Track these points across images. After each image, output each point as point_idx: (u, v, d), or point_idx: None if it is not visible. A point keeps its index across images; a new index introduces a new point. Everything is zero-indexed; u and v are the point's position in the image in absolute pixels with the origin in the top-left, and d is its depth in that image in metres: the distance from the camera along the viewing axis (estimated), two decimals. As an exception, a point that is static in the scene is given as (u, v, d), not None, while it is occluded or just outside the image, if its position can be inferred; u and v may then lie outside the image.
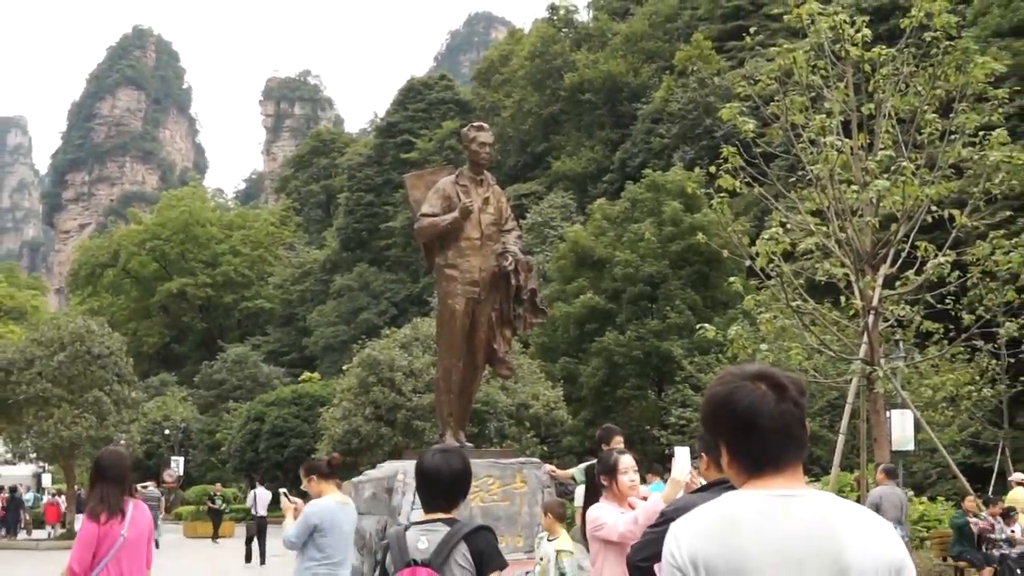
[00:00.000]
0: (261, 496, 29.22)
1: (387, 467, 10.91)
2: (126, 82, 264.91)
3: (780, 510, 2.42)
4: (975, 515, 18.68)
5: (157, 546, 10.69)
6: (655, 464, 14.41)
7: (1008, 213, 22.28)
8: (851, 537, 2.39)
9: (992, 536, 18.12)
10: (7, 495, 44.03)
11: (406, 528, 4.89)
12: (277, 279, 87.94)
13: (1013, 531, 18.54)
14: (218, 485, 41.83)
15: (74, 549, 7.15)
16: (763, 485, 2.48)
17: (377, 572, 4.94)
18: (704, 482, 5.17)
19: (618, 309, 44.87)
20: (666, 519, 4.27)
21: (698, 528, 2.43)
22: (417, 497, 4.99)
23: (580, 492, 11.31)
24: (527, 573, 8.87)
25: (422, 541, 4.69)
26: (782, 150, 22.14)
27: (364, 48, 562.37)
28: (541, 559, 8.29)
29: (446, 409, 11.09)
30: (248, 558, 27.88)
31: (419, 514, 4.93)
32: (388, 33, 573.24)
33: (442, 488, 4.87)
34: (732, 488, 2.58)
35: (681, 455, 6.12)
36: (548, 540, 8.24)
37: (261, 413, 54.09)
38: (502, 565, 4.79)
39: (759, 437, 2.48)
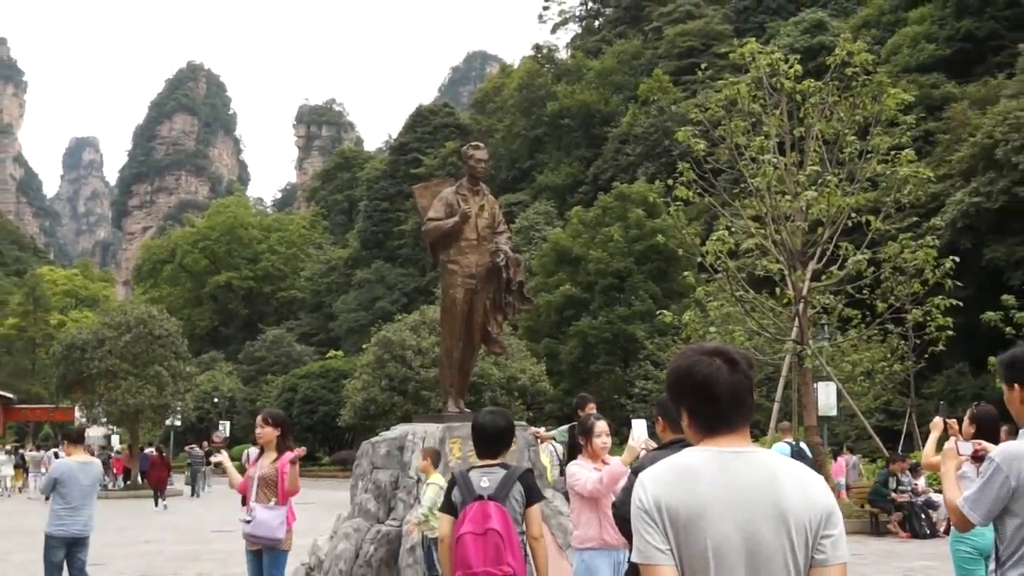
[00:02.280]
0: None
1: (399, 429, 10.89)
2: (181, 108, 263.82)
3: (731, 463, 2.43)
4: (897, 475, 18.71)
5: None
6: (623, 428, 14.46)
7: (915, 219, 22.32)
8: (790, 487, 2.40)
9: (902, 488, 18.17)
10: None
11: (468, 470, 5.18)
12: (308, 273, 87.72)
13: (917, 483, 18.60)
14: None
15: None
16: (716, 443, 2.48)
17: (441, 504, 5.26)
18: (661, 442, 5.22)
19: (591, 298, 44.93)
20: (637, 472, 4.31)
21: (661, 478, 2.44)
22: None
23: (547, 450, 11.36)
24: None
25: (484, 480, 5.00)
26: (728, 166, 22.20)
27: (381, 80, 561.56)
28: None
29: (448, 381, 11.09)
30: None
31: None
32: (400, 68, 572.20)
33: (492, 440, 5.19)
34: (689, 446, 2.59)
35: (637, 426, 6.19)
36: (425, 480, 8.91)
37: (294, 385, 54.03)
38: (541, 498, 5.22)
39: (715, 403, 2.50)
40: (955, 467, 4.33)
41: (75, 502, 9.32)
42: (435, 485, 8.87)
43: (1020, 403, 3.79)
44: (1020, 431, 3.77)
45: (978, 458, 5.02)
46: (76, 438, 9.92)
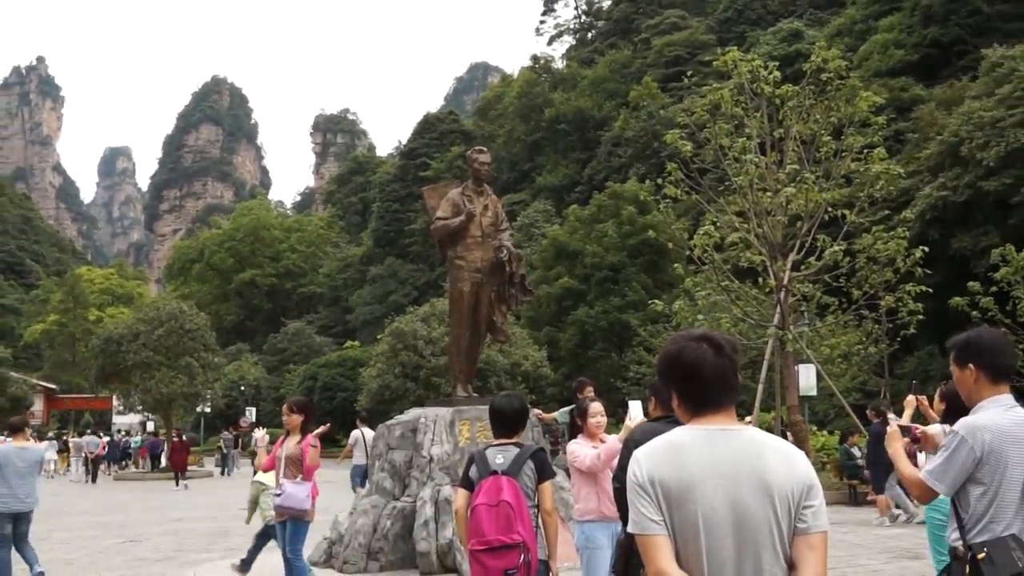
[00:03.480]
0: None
1: (412, 413, 10.90)
2: (207, 119, 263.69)
3: (718, 440, 2.42)
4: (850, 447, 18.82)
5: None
6: (618, 409, 14.47)
7: (886, 212, 22.23)
8: (773, 461, 2.40)
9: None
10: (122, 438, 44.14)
11: (485, 448, 5.18)
12: (326, 270, 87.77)
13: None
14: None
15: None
16: (705, 422, 2.48)
17: (460, 480, 5.23)
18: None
19: (588, 290, 44.89)
20: (635, 443, 4.34)
21: (654, 454, 2.44)
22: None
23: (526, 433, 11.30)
24: None
25: (499, 457, 5.02)
26: (713, 165, 22.12)
27: (391, 91, 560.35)
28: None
29: (457, 368, 11.09)
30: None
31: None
32: (409, 79, 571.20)
33: (508, 420, 5.21)
34: (677, 423, 2.59)
35: (634, 407, 6.18)
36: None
37: (314, 373, 54.08)
38: (553, 475, 5.21)
39: (701, 384, 2.50)
40: (902, 447, 4.34)
41: (13, 482, 9.74)
42: (258, 483, 10.08)
43: (974, 382, 3.77)
44: (976, 407, 3.76)
45: (915, 440, 5.05)
46: (16, 427, 10.39)
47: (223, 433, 40.57)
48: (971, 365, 3.75)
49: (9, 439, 10.43)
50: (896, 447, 4.32)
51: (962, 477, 3.57)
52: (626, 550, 5.01)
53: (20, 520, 9.91)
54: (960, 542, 3.54)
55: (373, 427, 14.40)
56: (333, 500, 15.93)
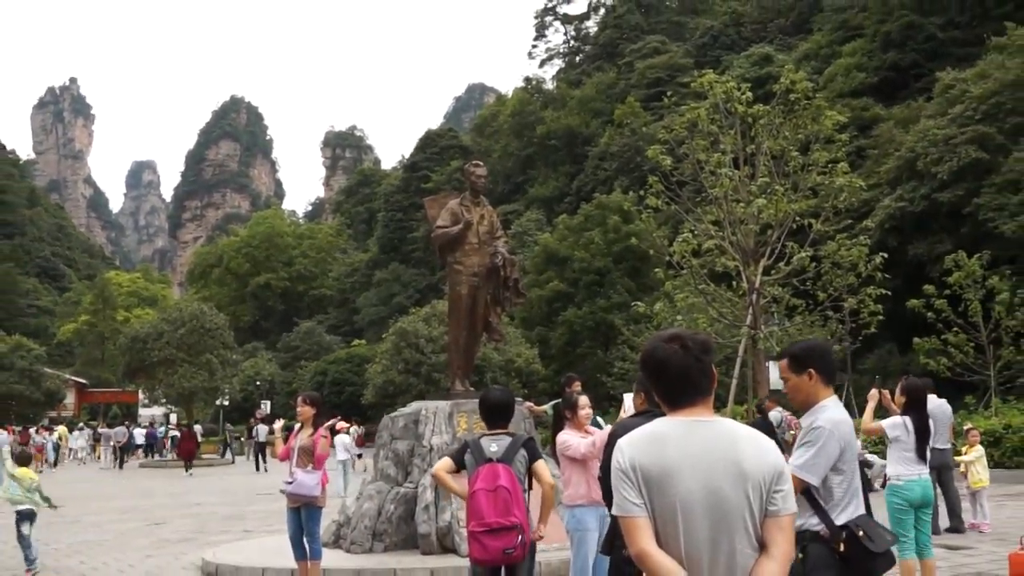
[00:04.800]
0: (261, 429, 31.38)
1: (414, 406, 10.87)
2: (226, 136, 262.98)
3: (695, 430, 2.42)
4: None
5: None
6: (603, 402, 14.48)
7: (849, 221, 22.29)
8: (746, 450, 2.39)
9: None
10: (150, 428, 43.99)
11: (479, 437, 5.17)
12: (335, 274, 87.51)
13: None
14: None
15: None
16: (682, 414, 2.47)
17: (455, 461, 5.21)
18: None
19: (576, 292, 44.87)
20: (617, 436, 4.35)
21: (636, 443, 2.43)
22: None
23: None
24: None
25: (492, 446, 5.03)
26: (690, 178, 22.15)
27: (394, 109, 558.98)
28: None
29: (455, 364, 11.06)
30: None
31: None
32: (411, 99, 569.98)
33: (492, 410, 5.24)
34: (658, 416, 2.58)
35: (628, 400, 6.22)
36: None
37: (324, 369, 53.97)
38: (541, 456, 5.23)
39: (667, 380, 2.50)
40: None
41: None
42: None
43: (812, 385, 3.75)
44: (819, 406, 3.71)
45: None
46: None
47: (255, 424, 40.59)
48: (810, 370, 3.75)
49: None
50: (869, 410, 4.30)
51: (828, 468, 3.57)
52: (611, 530, 5.02)
53: None
54: (822, 526, 3.52)
55: (378, 419, 14.36)
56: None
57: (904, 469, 6.88)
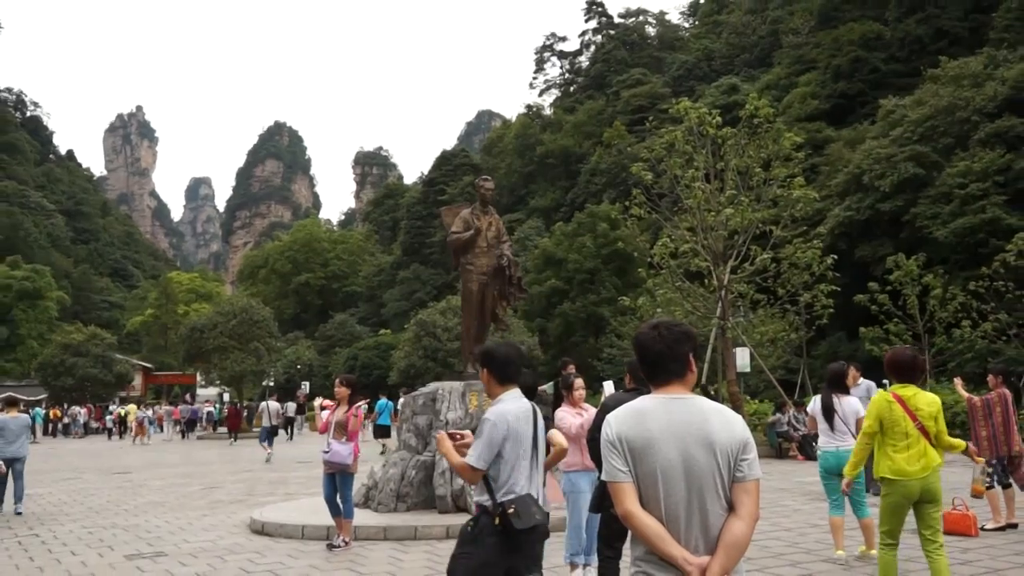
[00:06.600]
0: (271, 407, 30.91)
1: (432, 386, 10.88)
2: (270, 155, 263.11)
3: (672, 407, 2.41)
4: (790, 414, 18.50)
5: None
6: (594, 383, 14.45)
7: (804, 228, 22.24)
8: (716, 423, 2.38)
9: (795, 425, 17.98)
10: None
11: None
12: (364, 273, 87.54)
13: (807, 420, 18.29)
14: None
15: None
16: (661, 391, 2.47)
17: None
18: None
19: (571, 289, 44.93)
20: (606, 409, 4.37)
21: (622, 418, 2.43)
22: None
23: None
24: None
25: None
26: (668, 191, 22.09)
27: (415, 132, 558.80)
28: None
29: (467, 350, 11.07)
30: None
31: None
32: (430, 123, 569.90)
33: (514, 364, 4.89)
34: (643, 394, 2.58)
35: (607, 386, 6.21)
36: None
37: (355, 354, 54.09)
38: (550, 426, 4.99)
39: (647, 363, 2.50)
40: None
41: (10, 438, 11.25)
42: None
43: (488, 382, 3.74)
44: (497, 399, 3.71)
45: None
46: (10, 403, 11.85)
47: (295, 401, 40.22)
48: (485, 370, 3.76)
49: (2, 412, 11.46)
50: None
51: (493, 455, 3.56)
52: (599, 493, 5.02)
53: (16, 461, 11.38)
54: (489, 501, 3.55)
55: (370, 399, 14.34)
56: (371, 454, 15.86)
57: (822, 440, 6.91)
